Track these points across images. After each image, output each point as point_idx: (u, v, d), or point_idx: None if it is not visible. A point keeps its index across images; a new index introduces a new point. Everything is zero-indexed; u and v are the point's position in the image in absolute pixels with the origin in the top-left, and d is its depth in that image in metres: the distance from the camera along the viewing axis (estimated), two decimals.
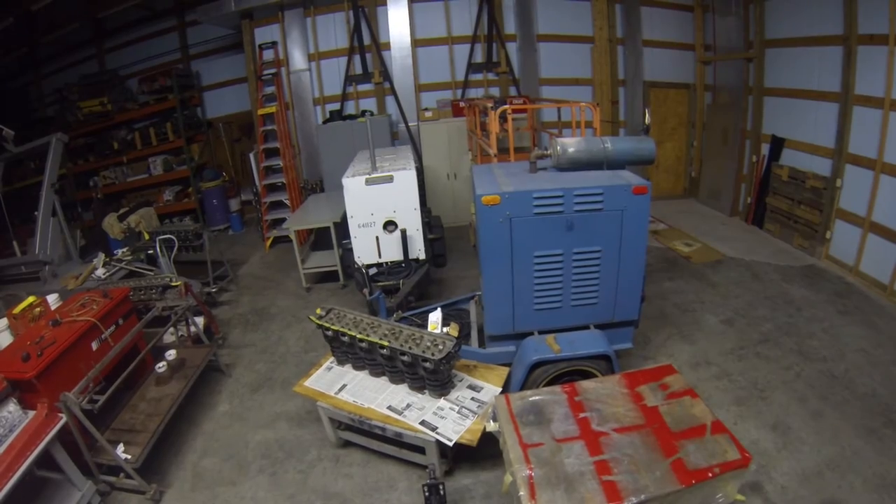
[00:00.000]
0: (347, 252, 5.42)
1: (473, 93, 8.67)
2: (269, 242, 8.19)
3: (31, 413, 3.34)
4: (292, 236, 6.39)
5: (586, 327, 3.72)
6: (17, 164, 9.13)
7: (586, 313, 3.68)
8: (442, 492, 2.90)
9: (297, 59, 8.53)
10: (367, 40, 8.25)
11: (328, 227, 6.19)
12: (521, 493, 2.47)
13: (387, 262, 5.24)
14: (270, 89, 8.35)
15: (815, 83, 6.21)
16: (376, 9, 8.29)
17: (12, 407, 3.27)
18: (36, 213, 6.97)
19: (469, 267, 6.63)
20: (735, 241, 7.04)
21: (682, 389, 3.11)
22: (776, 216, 7.03)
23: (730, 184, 7.98)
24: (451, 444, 3.06)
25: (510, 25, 8.45)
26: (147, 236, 6.70)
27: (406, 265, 5.19)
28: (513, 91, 8.52)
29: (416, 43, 8.45)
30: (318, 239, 7.29)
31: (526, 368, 3.47)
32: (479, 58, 8.58)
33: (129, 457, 3.48)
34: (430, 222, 5.59)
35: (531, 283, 3.56)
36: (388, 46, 8.41)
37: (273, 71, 8.37)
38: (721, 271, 6.18)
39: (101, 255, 6.35)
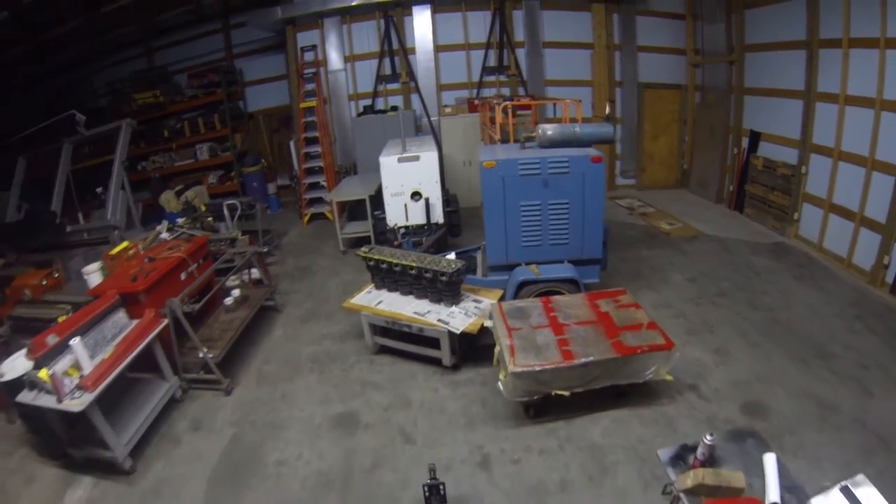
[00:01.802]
0: (379, 220, 6.53)
1: (487, 92, 9.60)
2: (307, 218, 9.29)
3: (135, 322, 4.22)
4: (330, 212, 7.32)
5: (561, 262, 4.82)
6: (74, 149, 9.91)
7: (561, 250, 4.81)
8: (442, 492, 2.89)
9: (335, 61, 9.59)
10: (395, 45, 9.34)
11: (363, 200, 7.26)
12: (505, 354, 3.54)
13: (413, 225, 6.36)
14: (311, 86, 9.44)
15: (785, 82, 6.97)
16: (404, 18, 9.34)
17: (121, 314, 4.25)
18: (98, 189, 7.99)
19: (480, 237, 7.35)
20: (714, 222, 7.76)
21: (630, 303, 4.14)
22: (754, 201, 7.78)
23: (716, 174, 8.75)
24: (457, 332, 4.16)
25: (519, 34, 9.37)
26: (203, 208, 7.71)
27: (428, 227, 6.32)
28: (521, 91, 9.43)
29: (438, 48, 9.46)
30: (350, 213, 8.34)
31: (515, 287, 4.63)
32: (492, 62, 9.51)
33: (211, 355, 4.50)
34: (448, 199, 6.67)
35: (519, 225, 4.73)
36: (413, 51, 9.46)
37: (313, 70, 9.49)
38: (695, 244, 6.98)
39: (165, 223, 7.39)
